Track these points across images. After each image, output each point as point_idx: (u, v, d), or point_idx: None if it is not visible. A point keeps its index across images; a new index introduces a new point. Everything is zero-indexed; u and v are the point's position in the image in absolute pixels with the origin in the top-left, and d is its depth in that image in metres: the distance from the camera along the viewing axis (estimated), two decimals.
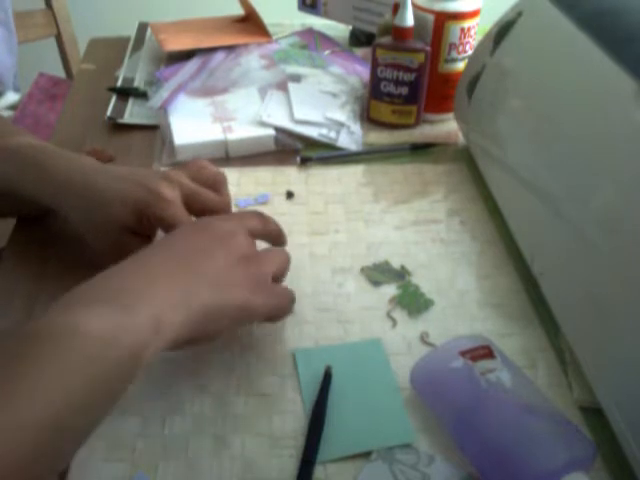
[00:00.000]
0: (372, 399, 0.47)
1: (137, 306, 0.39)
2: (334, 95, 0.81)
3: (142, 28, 1.00)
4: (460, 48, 0.74)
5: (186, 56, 0.89)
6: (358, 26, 0.95)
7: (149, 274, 0.42)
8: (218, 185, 0.56)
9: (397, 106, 0.77)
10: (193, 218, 0.52)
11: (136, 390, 0.46)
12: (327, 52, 0.92)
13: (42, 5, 1.34)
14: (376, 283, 0.57)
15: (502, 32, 0.65)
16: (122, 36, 0.99)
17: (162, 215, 0.51)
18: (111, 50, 0.96)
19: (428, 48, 0.73)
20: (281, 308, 0.48)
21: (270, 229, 0.52)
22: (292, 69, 0.85)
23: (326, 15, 0.96)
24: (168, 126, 0.74)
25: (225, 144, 0.72)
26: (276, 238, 0.53)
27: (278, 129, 0.74)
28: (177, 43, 0.90)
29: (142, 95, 0.81)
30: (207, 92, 0.81)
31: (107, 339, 0.36)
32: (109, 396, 0.37)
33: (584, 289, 0.47)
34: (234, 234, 0.47)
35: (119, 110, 0.79)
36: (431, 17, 0.73)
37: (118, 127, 0.77)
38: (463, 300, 0.55)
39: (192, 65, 0.87)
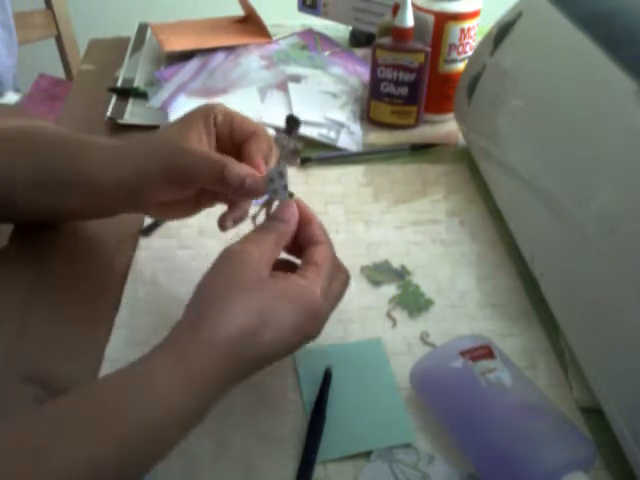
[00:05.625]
0: (372, 399, 0.47)
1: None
2: (334, 95, 0.81)
3: (142, 29, 0.99)
4: (460, 49, 0.74)
5: (186, 57, 0.88)
6: (358, 27, 0.95)
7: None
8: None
9: (397, 106, 0.77)
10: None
11: None
12: (327, 53, 0.92)
13: (42, 5, 1.34)
14: (376, 283, 0.57)
15: (502, 32, 0.65)
16: (122, 37, 0.99)
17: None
18: (111, 51, 0.96)
19: (428, 49, 0.73)
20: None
21: None
22: (292, 69, 0.85)
23: (326, 16, 0.96)
24: None
25: None
26: None
27: (278, 129, 0.74)
28: (177, 44, 0.90)
29: (142, 95, 0.81)
30: (207, 92, 0.81)
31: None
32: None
33: (584, 289, 0.47)
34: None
35: (119, 110, 0.79)
36: (431, 18, 0.73)
37: (118, 127, 0.77)
38: (463, 300, 0.55)
39: (192, 65, 0.87)
